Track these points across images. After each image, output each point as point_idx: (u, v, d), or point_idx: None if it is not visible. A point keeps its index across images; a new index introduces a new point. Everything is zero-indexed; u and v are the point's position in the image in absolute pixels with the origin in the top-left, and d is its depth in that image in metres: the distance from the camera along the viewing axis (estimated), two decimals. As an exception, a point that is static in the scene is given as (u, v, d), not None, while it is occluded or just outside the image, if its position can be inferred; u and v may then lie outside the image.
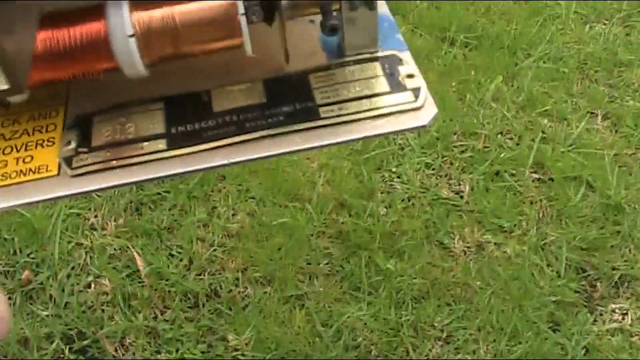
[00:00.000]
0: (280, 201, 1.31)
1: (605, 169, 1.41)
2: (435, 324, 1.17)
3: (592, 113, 1.54)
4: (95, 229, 1.28)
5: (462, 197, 1.36)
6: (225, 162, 0.41)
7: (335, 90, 0.43)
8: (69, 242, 1.25)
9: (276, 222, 1.27)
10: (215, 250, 1.24)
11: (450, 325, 1.17)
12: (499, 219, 1.32)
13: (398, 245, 1.26)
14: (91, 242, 1.25)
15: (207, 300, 1.19)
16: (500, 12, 1.73)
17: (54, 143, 0.44)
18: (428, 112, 0.42)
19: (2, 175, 0.42)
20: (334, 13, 0.42)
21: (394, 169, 1.39)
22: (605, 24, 1.77)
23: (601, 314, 1.21)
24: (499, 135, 1.47)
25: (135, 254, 1.23)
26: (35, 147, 0.43)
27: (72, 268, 1.22)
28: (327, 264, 1.24)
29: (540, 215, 1.34)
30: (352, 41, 0.44)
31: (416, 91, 0.43)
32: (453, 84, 1.55)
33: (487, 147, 1.44)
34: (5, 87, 0.34)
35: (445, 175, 1.40)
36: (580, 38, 1.71)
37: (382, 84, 0.44)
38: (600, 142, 1.47)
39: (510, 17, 1.73)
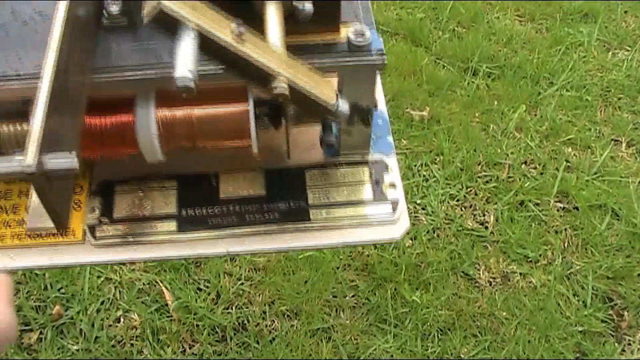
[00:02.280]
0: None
1: (630, 197, 1.43)
2: (462, 356, 1.20)
3: (616, 140, 1.57)
4: (124, 264, 1.32)
5: (486, 227, 1.39)
6: (225, 251, 0.47)
7: (326, 192, 0.49)
8: (98, 277, 1.29)
9: (302, 255, 1.31)
10: (242, 284, 1.28)
11: (477, 357, 1.20)
12: (524, 249, 1.35)
13: (423, 277, 1.30)
14: (120, 277, 1.29)
15: (234, 334, 1.22)
16: (522, 42, 1.77)
17: (80, 207, 0.48)
18: (402, 225, 0.48)
19: (35, 234, 0.47)
20: (333, 127, 0.48)
21: (418, 201, 1.43)
22: (628, 51, 1.80)
23: (629, 344, 1.23)
24: (523, 165, 1.50)
25: (163, 288, 1.27)
26: None
27: (102, 303, 1.26)
28: (353, 296, 1.27)
29: (566, 244, 1.37)
30: (347, 144, 0.50)
31: (395, 204, 0.48)
32: (476, 114, 1.58)
33: (511, 177, 1.47)
34: (51, 225, 0.39)
35: (470, 206, 1.43)
36: (603, 65, 1.74)
37: (367, 192, 0.49)
38: (624, 170, 1.50)
39: (532, 46, 1.76)
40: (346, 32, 0.44)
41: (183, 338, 1.22)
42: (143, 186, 0.49)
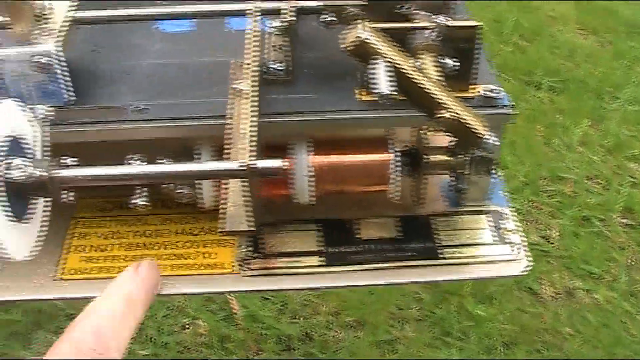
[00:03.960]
0: (370, 246, 1.38)
1: (697, 214, 1.44)
2: (527, 371, 1.22)
3: (681, 157, 1.58)
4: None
5: (550, 242, 1.41)
6: (369, 283, 0.52)
7: (452, 235, 0.55)
8: (166, 285, 1.33)
9: (367, 267, 1.34)
10: (308, 294, 1.31)
11: (542, 373, 1.22)
12: (589, 264, 1.36)
13: (487, 290, 1.32)
14: (187, 284, 1.33)
15: (300, 344, 1.25)
16: (585, 55, 1.78)
17: (232, 244, 0.54)
18: (522, 264, 0.54)
19: (189, 266, 0.53)
20: (462, 177, 0.55)
21: (482, 215, 1.44)
22: (693, 65, 1.81)
23: (696, 364, 1.24)
24: (587, 180, 1.51)
25: (229, 297, 1.31)
26: (218, 245, 0.54)
27: (170, 309, 1.30)
28: (417, 309, 1.30)
29: (630, 261, 1.38)
30: (469, 196, 0.56)
31: (514, 245, 0.54)
32: (539, 128, 1.60)
33: (575, 192, 1.49)
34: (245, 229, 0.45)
35: (534, 220, 1.45)
36: (668, 80, 1.75)
37: (488, 236, 0.55)
38: (691, 187, 1.50)
39: (595, 59, 1.77)
40: (477, 88, 0.51)
41: (249, 347, 1.25)
42: (288, 227, 0.55)
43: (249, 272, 0.52)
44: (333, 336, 1.26)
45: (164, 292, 0.50)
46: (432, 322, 1.28)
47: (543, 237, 1.42)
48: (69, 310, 1.28)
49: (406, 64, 0.44)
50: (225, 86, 0.51)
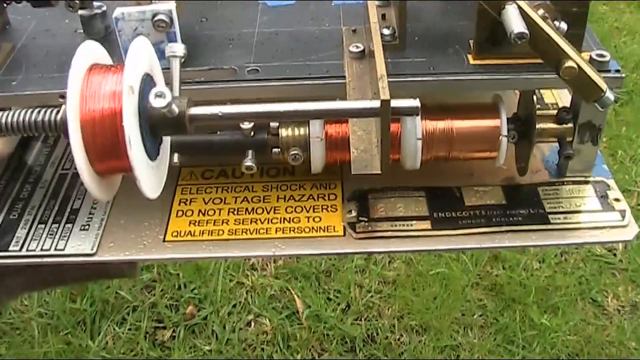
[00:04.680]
0: (435, 251, 1.39)
1: None
2: (593, 383, 1.22)
3: None
4: (255, 269, 1.38)
5: (615, 254, 1.41)
6: (477, 246, 0.53)
7: (559, 203, 0.56)
8: (230, 281, 1.35)
9: (432, 271, 1.35)
10: (372, 296, 1.32)
11: (608, 385, 1.22)
12: (654, 279, 1.37)
13: (552, 300, 1.32)
14: (252, 282, 1.35)
15: (363, 345, 1.27)
16: (651, 67, 1.78)
17: (336, 210, 0.56)
18: (632, 229, 0.54)
19: (297, 229, 0.55)
20: (569, 144, 0.56)
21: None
22: None
23: None
24: (652, 193, 1.51)
25: (295, 295, 1.32)
26: (322, 211, 0.56)
27: (234, 306, 1.32)
28: (481, 315, 1.31)
29: (696, 276, 1.38)
30: (574, 166, 0.58)
31: (622, 212, 0.55)
32: (604, 140, 1.60)
33: (640, 205, 1.49)
34: (372, 172, 0.45)
35: (598, 232, 1.45)
36: None
37: (595, 203, 0.56)
38: None
39: (660, 72, 1.77)
40: (588, 54, 0.52)
41: (312, 346, 1.27)
42: (394, 194, 0.57)
43: (358, 235, 0.54)
44: (397, 339, 1.27)
45: (277, 253, 0.53)
46: (496, 330, 1.29)
47: (608, 249, 1.42)
48: (135, 302, 1.31)
49: (534, 12, 0.46)
50: (334, 52, 0.55)
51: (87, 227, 0.55)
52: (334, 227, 0.55)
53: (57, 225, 0.55)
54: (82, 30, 0.58)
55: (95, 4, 0.56)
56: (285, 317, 1.30)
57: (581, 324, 1.30)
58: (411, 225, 0.54)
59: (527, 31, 0.45)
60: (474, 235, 0.54)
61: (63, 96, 0.50)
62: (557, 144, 0.58)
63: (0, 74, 0.54)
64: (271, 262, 1.38)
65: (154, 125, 0.43)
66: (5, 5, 0.57)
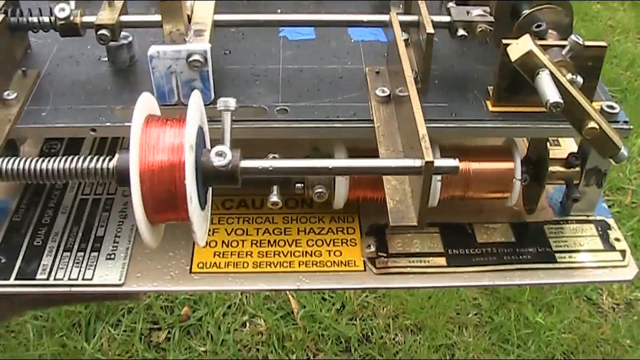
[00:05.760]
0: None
1: None
2: (587, 381, 1.24)
3: None
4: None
5: (609, 253, 1.42)
6: (491, 283, 0.56)
7: (564, 242, 0.59)
8: (225, 282, 1.36)
9: (427, 271, 1.36)
10: (366, 296, 1.34)
11: (603, 383, 1.23)
12: (648, 276, 1.38)
13: (547, 299, 1.33)
14: (247, 282, 1.36)
15: (358, 345, 1.28)
16: (645, 65, 1.80)
17: (355, 244, 0.58)
18: (632, 270, 0.57)
19: (320, 263, 0.56)
20: (576, 187, 0.59)
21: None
22: None
23: None
24: (647, 191, 1.53)
25: (289, 296, 1.33)
26: (341, 245, 0.58)
27: (229, 307, 1.33)
28: (476, 314, 1.32)
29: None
30: (578, 206, 0.60)
31: (623, 253, 0.58)
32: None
33: (635, 202, 1.50)
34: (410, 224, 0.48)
35: (593, 230, 1.46)
36: None
37: (597, 243, 0.59)
38: None
39: (654, 69, 1.79)
40: (599, 104, 0.55)
41: (308, 346, 1.28)
42: (410, 229, 0.59)
43: (379, 270, 0.56)
44: (392, 339, 1.29)
45: (302, 287, 0.54)
46: (491, 329, 1.30)
47: (602, 247, 1.43)
48: (130, 304, 1.32)
49: (563, 77, 0.49)
50: (359, 93, 0.56)
51: (112, 256, 0.55)
52: (355, 261, 0.56)
53: (82, 253, 0.55)
54: (106, 59, 0.59)
55: (122, 34, 0.57)
56: (280, 318, 1.31)
57: (576, 322, 1.31)
58: (428, 261, 0.57)
59: (562, 101, 0.47)
60: (486, 272, 0.56)
61: (94, 129, 0.52)
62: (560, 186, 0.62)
63: (28, 103, 0.54)
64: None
65: (208, 177, 0.44)
66: (32, 31, 0.57)
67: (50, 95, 0.55)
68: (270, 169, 0.44)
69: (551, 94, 0.47)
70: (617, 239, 0.59)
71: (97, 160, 0.44)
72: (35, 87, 0.56)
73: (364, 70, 0.59)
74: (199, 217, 0.43)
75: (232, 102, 0.45)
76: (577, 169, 0.58)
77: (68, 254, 0.55)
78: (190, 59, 0.51)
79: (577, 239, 0.59)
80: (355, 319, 1.31)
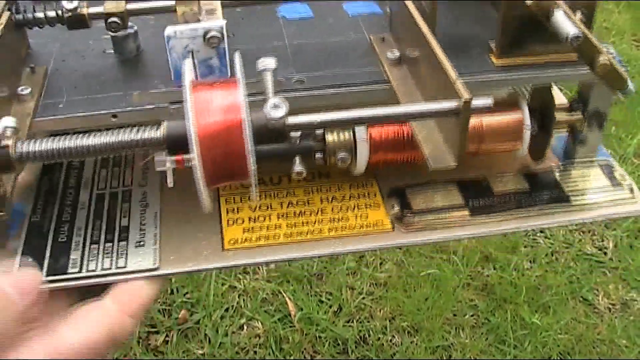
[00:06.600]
0: (426, 252, 1.41)
1: None
2: (584, 381, 1.24)
3: None
4: (247, 273, 1.40)
5: (605, 253, 1.43)
6: (517, 227, 0.59)
7: (575, 184, 0.62)
8: (222, 285, 1.37)
9: (423, 272, 1.37)
10: (363, 298, 1.35)
11: (599, 383, 1.24)
12: (644, 277, 1.39)
13: (543, 299, 1.34)
14: (244, 285, 1.37)
15: (356, 347, 1.29)
16: (640, 67, 1.81)
17: (379, 207, 0.60)
18: None
19: (349, 227, 0.58)
20: (580, 130, 0.62)
21: (536, 224, 1.47)
22: None
23: None
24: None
25: (287, 298, 1.34)
26: (365, 208, 0.59)
27: (226, 310, 1.34)
28: (472, 316, 1.33)
29: (686, 274, 1.40)
30: (581, 151, 0.63)
31: (630, 189, 0.61)
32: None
33: (630, 203, 1.51)
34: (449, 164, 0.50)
35: (589, 231, 1.47)
36: None
37: (605, 182, 0.62)
38: None
39: (649, 71, 1.80)
40: None
41: (305, 349, 1.29)
42: (428, 188, 0.61)
43: (408, 228, 0.58)
44: (389, 340, 1.30)
45: (337, 251, 0.56)
46: (488, 330, 1.31)
47: (598, 248, 1.45)
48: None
49: (573, 16, 0.52)
50: (368, 59, 0.59)
51: (142, 243, 0.55)
52: (382, 222, 0.58)
53: (110, 244, 0.55)
54: (111, 51, 0.60)
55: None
56: (277, 320, 1.32)
57: (572, 323, 1.32)
58: (452, 215, 0.59)
59: (580, 32, 0.50)
60: (510, 219, 0.59)
61: (115, 115, 0.53)
62: (560, 133, 0.64)
63: (42, 97, 0.55)
64: (263, 265, 1.40)
65: (260, 135, 0.45)
66: (38, 27, 0.58)
67: (63, 89, 0.56)
68: (316, 123, 0.46)
69: (571, 28, 0.50)
70: (623, 177, 0.63)
71: (145, 130, 0.46)
72: (46, 82, 0.56)
73: (368, 39, 0.61)
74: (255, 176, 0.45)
75: (271, 61, 0.47)
76: (579, 114, 0.61)
77: (96, 246, 0.55)
78: (208, 35, 0.52)
79: (585, 181, 0.62)
80: (353, 321, 1.32)
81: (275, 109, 0.44)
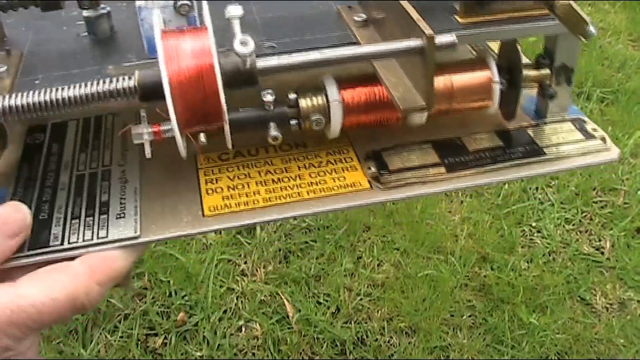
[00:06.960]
0: (423, 253, 1.42)
1: None
2: (581, 380, 1.25)
3: None
4: (245, 275, 1.40)
5: (602, 253, 1.44)
6: (491, 180, 0.61)
7: (548, 139, 0.64)
8: (220, 287, 1.38)
9: (420, 273, 1.38)
10: (361, 299, 1.35)
11: (597, 382, 1.25)
12: (642, 276, 1.40)
13: (540, 299, 1.35)
14: (242, 287, 1.37)
15: (354, 348, 1.29)
16: (637, 67, 1.81)
17: (356, 169, 0.61)
18: (615, 151, 0.63)
19: (327, 189, 0.59)
20: (549, 86, 0.64)
21: (533, 224, 1.48)
22: None
23: None
24: (639, 192, 1.54)
25: (285, 300, 1.35)
26: (343, 172, 0.61)
27: (224, 312, 1.35)
28: (470, 316, 1.34)
29: (683, 273, 1.41)
30: (552, 108, 0.66)
31: (603, 138, 0.64)
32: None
33: (627, 203, 1.52)
34: (419, 104, 0.51)
35: (586, 231, 1.48)
36: None
37: (578, 135, 0.64)
38: None
39: (646, 71, 1.80)
40: None
41: (303, 350, 1.29)
42: (404, 149, 0.63)
43: (385, 185, 0.59)
44: (386, 341, 1.30)
45: (316, 210, 0.57)
46: (485, 330, 1.31)
47: (595, 248, 1.45)
48: (126, 310, 1.33)
49: None
50: (336, 25, 0.61)
51: (122, 214, 0.56)
52: (360, 182, 0.60)
53: (90, 218, 0.55)
54: (85, 33, 0.61)
55: (100, 5, 0.59)
56: (275, 322, 1.32)
57: (570, 323, 1.32)
58: (429, 171, 0.61)
59: None
60: (485, 172, 0.60)
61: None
62: (529, 93, 0.66)
63: (19, 76, 0.56)
64: (261, 267, 1.41)
65: (230, 79, 0.47)
66: (13, 10, 0.58)
67: (38, 68, 0.57)
68: (286, 65, 0.48)
69: None
70: (595, 129, 0.64)
71: (118, 80, 0.47)
72: (21, 63, 0.57)
73: (335, 9, 0.64)
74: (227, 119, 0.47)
75: (236, 9, 0.49)
76: (547, 69, 0.63)
77: (77, 220, 0.55)
78: (179, 4, 0.53)
79: (559, 135, 0.64)
80: (350, 322, 1.32)
81: (244, 45, 0.45)
